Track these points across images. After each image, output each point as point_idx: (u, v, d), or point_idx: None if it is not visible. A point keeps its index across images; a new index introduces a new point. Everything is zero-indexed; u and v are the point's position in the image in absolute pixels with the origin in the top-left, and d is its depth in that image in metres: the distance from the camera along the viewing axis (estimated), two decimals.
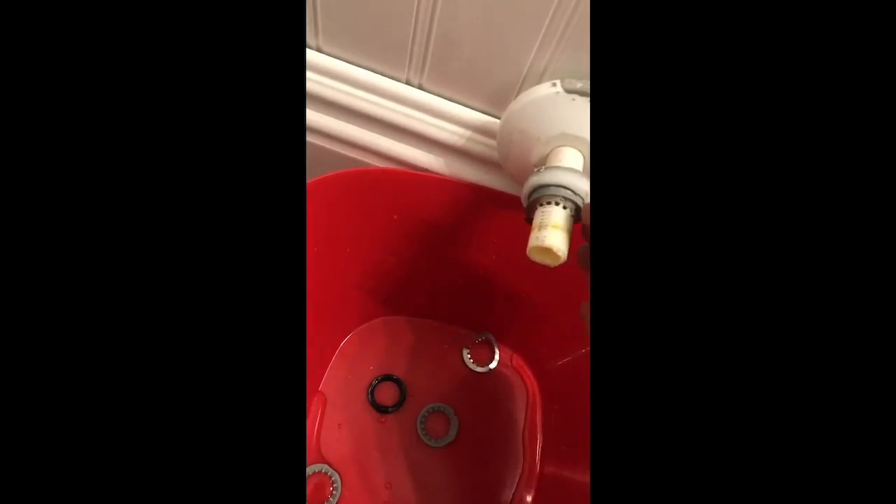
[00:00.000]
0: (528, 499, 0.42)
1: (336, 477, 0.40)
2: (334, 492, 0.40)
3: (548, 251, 0.25)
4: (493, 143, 0.34)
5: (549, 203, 0.26)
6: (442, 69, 0.32)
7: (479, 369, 0.46)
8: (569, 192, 0.26)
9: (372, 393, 0.44)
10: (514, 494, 0.42)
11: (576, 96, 0.27)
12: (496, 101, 0.33)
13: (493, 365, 0.46)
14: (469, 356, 0.46)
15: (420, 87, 0.34)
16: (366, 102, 0.34)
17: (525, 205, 0.28)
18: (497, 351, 0.47)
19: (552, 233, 0.25)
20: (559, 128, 0.28)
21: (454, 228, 0.39)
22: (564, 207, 0.26)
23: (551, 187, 0.26)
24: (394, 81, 0.34)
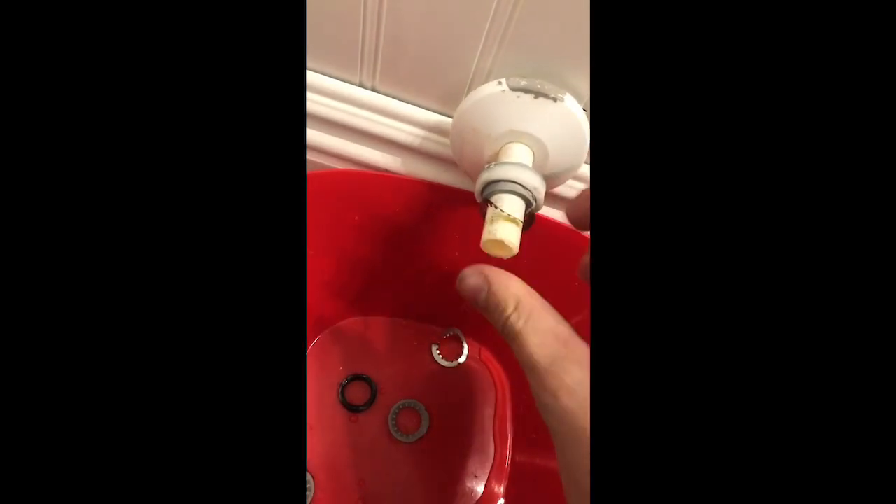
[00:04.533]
0: (500, 489, 0.43)
1: (308, 478, 0.41)
2: (307, 493, 0.40)
3: (500, 244, 0.26)
4: (448, 141, 0.35)
5: (499, 197, 0.27)
6: (393, 71, 0.33)
7: (448, 364, 0.47)
8: (518, 185, 0.27)
9: (342, 392, 0.44)
10: (485, 485, 0.43)
11: (520, 94, 0.28)
12: (448, 100, 0.33)
13: (461, 359, 0.47)
14: (438, 352, 0.47)
15: (374, 90, 0.35)
16: (321, 106, 0.35)
17: (478, 201, 0.29)
18: (465, 345, 0.48)
19: (503, 226, 0.26)
20: (507, 125, 0.29)
21: (416, 227, 0.40)
22: (518, 203, 0.27)
23: (501, 182, 0.27)
24: (348, 84, 0.34)
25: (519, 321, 0.22)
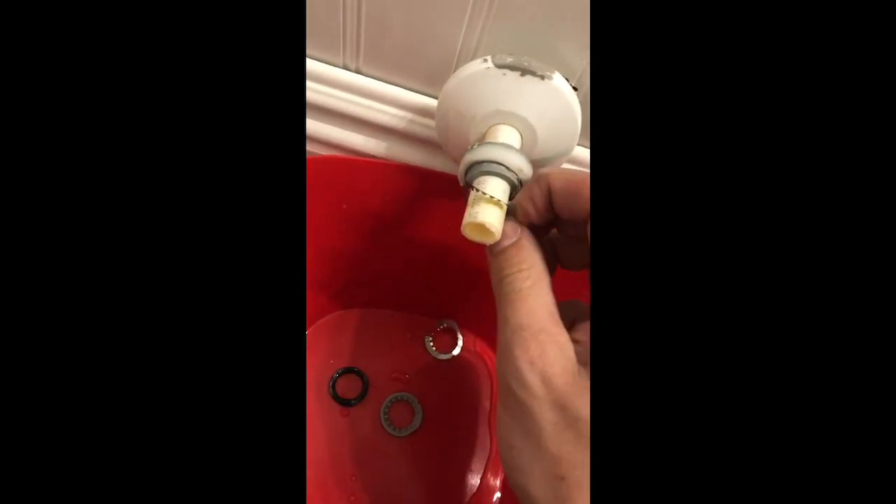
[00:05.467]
0: (496, 482, 0.42)
1: None
2: None
3: (481, 227, 0.24)
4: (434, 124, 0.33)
5: (482, 179, 0.25)
6: (377, 51, 0.32)
7: (443, 356, 0.46)
8: (502, 167, 0.26)
9: (333, 386, 0.43)
10: (481, 478, 0.42)
11: (507, 71, 0.26)
12: (434, 81, 0.32)
13: (456, 351, 0.46)
14: (432, 344, 0.46)
15: (358, 72, 0.33)
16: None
17: (462, 183, 0.27)
18: (460, 337, 0.47)
19: (485, 209, 0.24)
20: (493, 105, 0.27)
21: (405, 214, 0.39)
22: (502, 185, 0.25)
23: (484, 164, 0.26)
24: (330, 66, 0.33)
25: (527, 280, 0.23)
